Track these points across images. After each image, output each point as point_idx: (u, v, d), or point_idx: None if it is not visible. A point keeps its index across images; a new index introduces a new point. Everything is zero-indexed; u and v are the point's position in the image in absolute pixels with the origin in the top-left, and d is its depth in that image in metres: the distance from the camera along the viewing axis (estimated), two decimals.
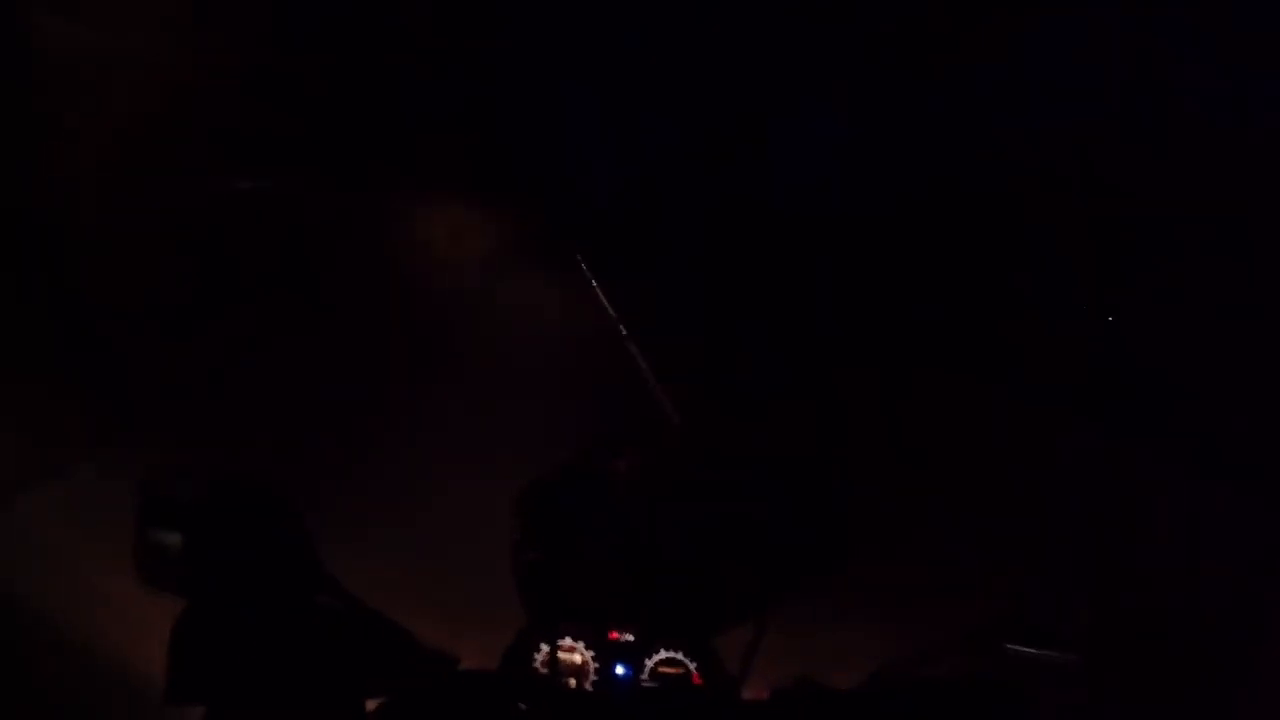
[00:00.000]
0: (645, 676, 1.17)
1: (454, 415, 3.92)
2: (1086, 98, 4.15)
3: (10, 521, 3.01)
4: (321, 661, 1.01)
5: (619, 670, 1.17)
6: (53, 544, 2.83)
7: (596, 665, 1.17)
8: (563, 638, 1.17)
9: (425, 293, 4.88)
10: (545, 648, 1.15)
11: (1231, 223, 4.04)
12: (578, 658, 1.17)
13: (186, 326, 4.08)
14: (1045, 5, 4.40)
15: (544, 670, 1.15)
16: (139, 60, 4.26)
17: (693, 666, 1.18)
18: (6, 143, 3.84)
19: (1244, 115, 3.78)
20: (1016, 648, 1.08)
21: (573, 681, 1.16)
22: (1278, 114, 3.70)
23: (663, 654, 1.18)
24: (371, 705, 1.03)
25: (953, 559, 3.24)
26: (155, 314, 4.06)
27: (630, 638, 1.19)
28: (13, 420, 3.33)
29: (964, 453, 3.86)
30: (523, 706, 1.08)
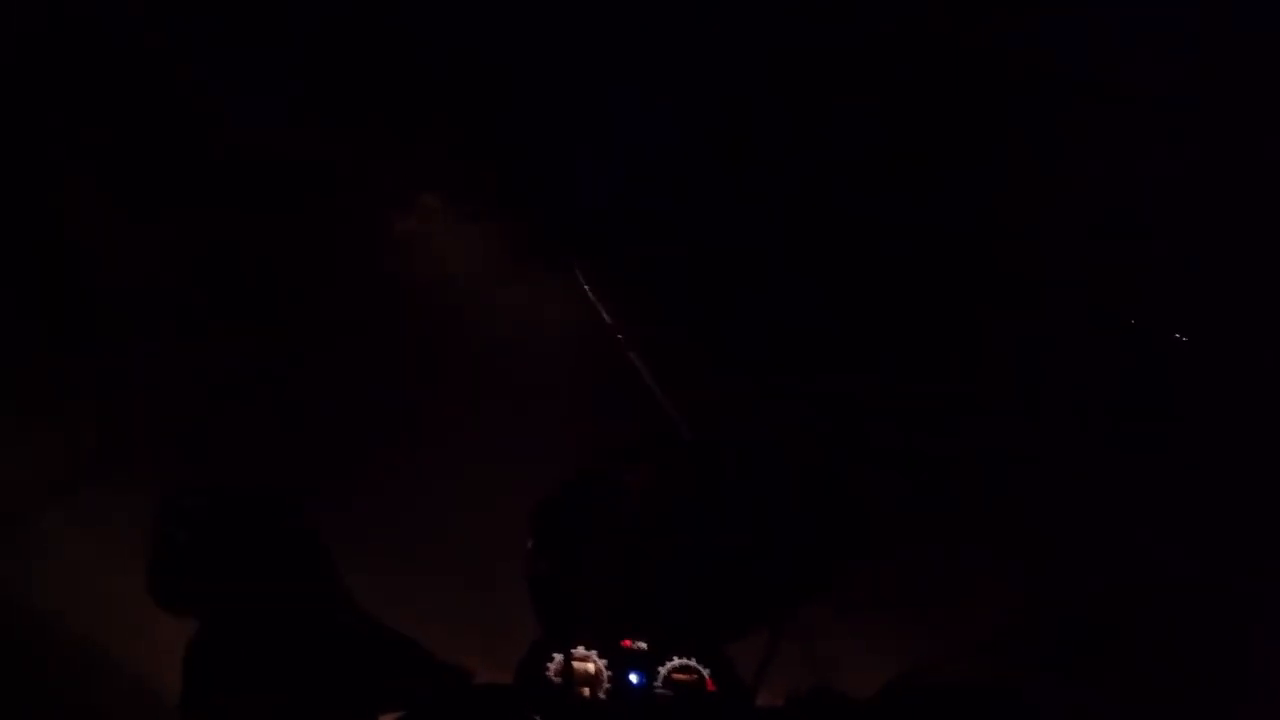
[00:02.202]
0: (659, 684, 1.17)
1: (458, 427, 3.92)
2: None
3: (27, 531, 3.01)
4: (336, 676, 1.00)
5: (632, 678, 1.16)
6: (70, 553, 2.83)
7: (610, 674, 1.16)
8: (576, 647, 1.16)
9: (426, 304, 4.86)
10: (558, 657, 1.15)
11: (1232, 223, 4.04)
12: (591, 667, 1.16)
13: (197, 337, 4.07)
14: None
15: (558, 680, 1.14)
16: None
17: (706, 674, 1.17)
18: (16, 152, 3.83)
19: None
20: None
21: (586, 691, 1.15)
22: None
23: (676, 661, 1.17)
24: (386, 719, 1.03)
25: (964, 566, 3.25)
26: (169, 324, 4.05)
27: (643, 646, 1.18)
28: (31, 430, 3.33)
29: (969, 459, 3.86)
30: (537, 717, 1.08)
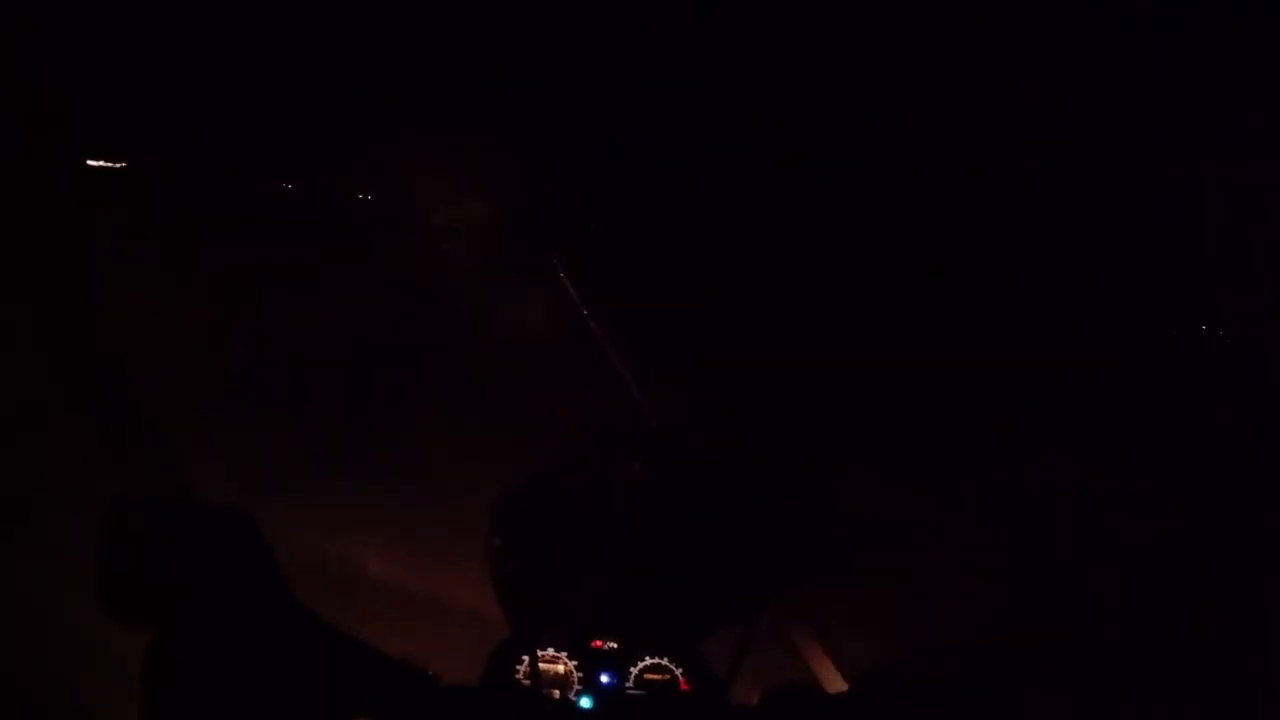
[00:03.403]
0: (630, 685, 1.15)
1: (435, 422, 3.92)
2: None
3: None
4: (298, 685, 0.99)
5: (603, 679, 1.14)
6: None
7: (580, 675, 1.15)
8: (544, 648, 1.15)
9: (408, 300, 4.87)
10: (526, 659, 1.13)
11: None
12: (560, 668, 1.14)
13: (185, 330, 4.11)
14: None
15: (526, 682, 1.12)
16: None
17: (679, 673, 1.15)
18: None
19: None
20: None
21: (556, 692, 1.14)
22: None
23: (648, 661, 1.16)
24: None
25: (941, 562, 3.21)
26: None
27: (614, 645, 1.17)
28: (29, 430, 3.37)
29: (953, 456, 3.81)
30: None
